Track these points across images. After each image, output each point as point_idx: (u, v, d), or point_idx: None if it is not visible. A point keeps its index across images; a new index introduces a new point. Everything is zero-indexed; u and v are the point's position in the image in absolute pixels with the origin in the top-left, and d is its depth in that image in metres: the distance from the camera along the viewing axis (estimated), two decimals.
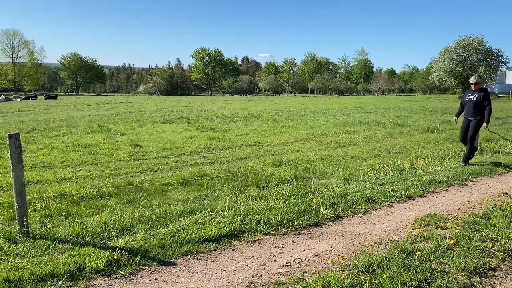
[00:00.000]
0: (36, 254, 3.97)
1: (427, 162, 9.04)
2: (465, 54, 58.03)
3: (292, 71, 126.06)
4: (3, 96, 61.03)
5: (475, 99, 8.39)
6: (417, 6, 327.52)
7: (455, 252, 4.00)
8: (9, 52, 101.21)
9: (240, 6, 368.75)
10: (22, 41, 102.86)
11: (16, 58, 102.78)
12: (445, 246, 4.13)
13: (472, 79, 8.55)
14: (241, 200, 5.94)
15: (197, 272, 3.74)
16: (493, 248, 4.12)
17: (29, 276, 3.45)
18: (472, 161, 8.99)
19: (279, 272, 3.74)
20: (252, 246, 4.40)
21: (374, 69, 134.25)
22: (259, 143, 13.13)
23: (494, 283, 3.49)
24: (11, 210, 5.33)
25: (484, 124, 8.26)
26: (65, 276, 3.50)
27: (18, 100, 58.63)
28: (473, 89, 8.55)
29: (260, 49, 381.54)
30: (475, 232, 4.59)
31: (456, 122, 9.49)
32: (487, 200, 5.91)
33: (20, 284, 3.35)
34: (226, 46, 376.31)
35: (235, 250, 4.29)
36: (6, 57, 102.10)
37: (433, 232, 4.62)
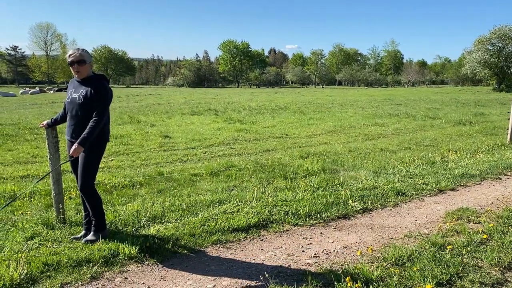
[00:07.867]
0: (73, 240, 4.12)
1: (459, 155, 8.83)
2: (500, 44, 55.88)
3: (319, 62, 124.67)
4: (37, 88, 63.19)
5: (80, 99, 3.97)
6: None
7: (488, 246, 3.91)
8: (42, 45, 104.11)
9: None
10: (55, 35, 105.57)
11: (50, 51, 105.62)
12: (478, 241, 4.05)
13: (68, 55, 4.00)
14: (269, 191, 5.98)
15: (226, 261, 3.80)
16: None
17: (66, 260, 3.59)
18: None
19: (308, 263, 3.76)
20: (280, 236, 4.43)
21: (404, 60, 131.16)
22: (286, 135, 13.12)
23: None
24: (48, 197, 5.54)
25: (74, 146, 3.82)
26: (100, 262, 3.63)
27: (52, 92, 60.44)
28: (77, 78, 4.09)
29: (287, 40, 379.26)
30: (509, 227, 4.47)
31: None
32: None
33: (58, 268, 3.50)
34: (253, 38, 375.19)
35: (264, 240, 4.33)
36: (40, 50, 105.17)
37: (465, 226, 4.53)
